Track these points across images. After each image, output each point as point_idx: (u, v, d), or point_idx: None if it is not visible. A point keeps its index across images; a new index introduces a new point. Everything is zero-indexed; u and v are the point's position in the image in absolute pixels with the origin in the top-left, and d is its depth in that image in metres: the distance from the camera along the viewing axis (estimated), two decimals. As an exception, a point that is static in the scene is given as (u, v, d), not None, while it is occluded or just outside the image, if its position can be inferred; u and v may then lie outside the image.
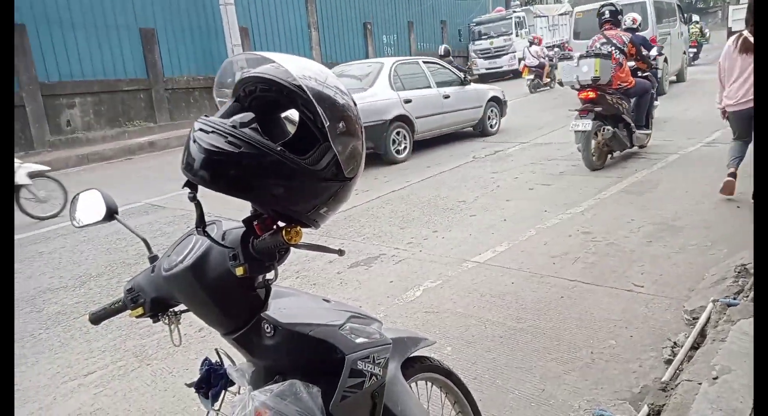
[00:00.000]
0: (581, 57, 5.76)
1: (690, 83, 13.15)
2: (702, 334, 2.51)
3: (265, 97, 1.01)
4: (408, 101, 7.63)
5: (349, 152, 0.98)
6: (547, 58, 15.57)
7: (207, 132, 0.92)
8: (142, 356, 2.92)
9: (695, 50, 17.06)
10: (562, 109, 11.32)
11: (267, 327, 1.07)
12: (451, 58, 13.56)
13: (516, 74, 18.82)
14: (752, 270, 2.94)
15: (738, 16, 17.05)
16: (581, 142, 5.82)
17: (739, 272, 3.02)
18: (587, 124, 5.63)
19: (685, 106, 9.75)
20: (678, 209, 4.43)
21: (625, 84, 6.20)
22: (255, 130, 0.94)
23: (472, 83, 9.19)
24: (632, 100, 6.33)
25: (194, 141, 0.92)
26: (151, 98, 12.77)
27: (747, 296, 2.71)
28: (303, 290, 1.37)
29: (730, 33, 16.65)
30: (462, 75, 9.03)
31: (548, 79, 15.43)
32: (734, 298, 2.72)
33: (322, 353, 1.12)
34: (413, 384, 1.48)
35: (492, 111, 9.19)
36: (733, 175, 4.50)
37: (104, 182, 8.39)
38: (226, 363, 1.16)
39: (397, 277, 3.64)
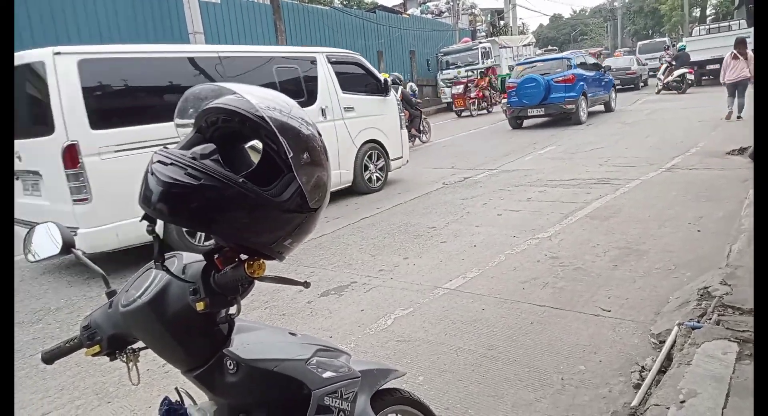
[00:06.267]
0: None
1: (650, 111, 13.67)
2: (668, 358, 2.55)
3: (227, 128, 0.99)
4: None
5: (314, 183, 0.98)
6: None
7: (165, 164, 0.90)
8: (102, 394, 2.80)
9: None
10: (525, 136, 11.61)
11: (230, 364, 1.04)
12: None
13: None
14: (714, 294, 3.02)
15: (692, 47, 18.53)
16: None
17: (702, 295, 3.09)
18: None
19: (646, 133, 10.10)
20: (641, 233, 4.54)
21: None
22: (216, 161, 0.92)
23: None
24: None
25: (152, 173, 0.90)
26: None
27: (710, 319, 2.77)
28: (269, 323, 1.34)
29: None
30: None
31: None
32: (698, 321, 2.77)
33: (288, 389, 1.09)
34: (383, 418, 1.45)
35: None
36: (731, 111, 10.20)
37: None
38: (187, 402, 1.12)
39: (368, 306, 3.61)
